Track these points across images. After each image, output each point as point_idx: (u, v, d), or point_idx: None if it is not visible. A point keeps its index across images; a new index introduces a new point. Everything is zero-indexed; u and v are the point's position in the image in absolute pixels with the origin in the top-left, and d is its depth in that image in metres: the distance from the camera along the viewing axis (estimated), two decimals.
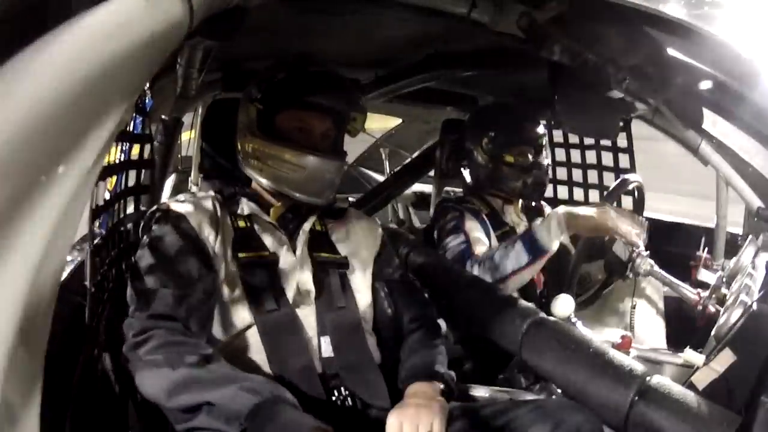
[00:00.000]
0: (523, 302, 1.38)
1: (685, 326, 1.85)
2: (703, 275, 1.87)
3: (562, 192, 2.49)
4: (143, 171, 1.48)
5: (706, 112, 1.46)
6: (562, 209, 1.58)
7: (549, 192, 2.25)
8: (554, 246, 1.55)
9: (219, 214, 1.23)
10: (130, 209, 1.43)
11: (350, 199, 2.73)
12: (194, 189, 1.33)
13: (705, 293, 1.68)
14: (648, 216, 1.84)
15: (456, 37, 1.45)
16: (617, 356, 1.05)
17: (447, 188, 2.59)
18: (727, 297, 1.44)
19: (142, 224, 1.27)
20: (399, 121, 3.14)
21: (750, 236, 1.60)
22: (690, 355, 1.24)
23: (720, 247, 2.02)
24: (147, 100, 1.38)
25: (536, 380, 1.46)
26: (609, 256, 1.78)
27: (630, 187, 1.86)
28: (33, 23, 0.42)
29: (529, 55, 1.28)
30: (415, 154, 2.84)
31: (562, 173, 2.48)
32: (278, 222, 1.29)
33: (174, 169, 2.61)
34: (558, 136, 2.45)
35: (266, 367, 1.12)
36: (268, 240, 1.25)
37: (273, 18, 1.27)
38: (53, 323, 0.41)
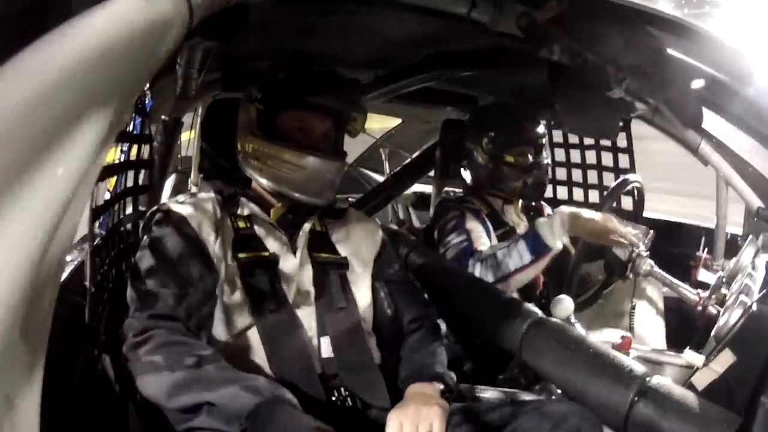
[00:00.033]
0: (522, 302, 1.38)
1: (685, 326, 1.85)
2: (703, 275, 1.87)
3: (562, 192, 2.49)
4: (143, 171, 1.48)
5: (706, 112, 1.46)
6: (565, 209, 1.58)
7: (549, 192, 2.25)
8: (557, 245, 1.55)
9: (219, 214, 1.23)
10: (130, 210, 1.43)
11: (350, 199, 2.73)
12: (194, 189, 1.33)
13: (705, 293, 1.68)
14: (647, 216, 1.84)
15: (456, 37, 1.45)
16: (617, 356, 1.05)
17: (447, 188, 2.59)
18: (727, 297, 1.44)
19: (142, 225, 1.27)
20: (399, 121, 3.15)
21: (750, 236, 1.59)
22: (690, 355, 1.24)
23: (720, 247, 2.02)
24: (147, 101, 1.38)
25: (536, 380, 1.46)
26: (609, 256, 1.77)
27: (630, 187, 1.86)
28: (33, 23, 0.42)
29: (529, 55, 1.28)
30: (415, 155, 2.84)
31: (561, 173, 2.48)
32: (278, 222, 1.29)
33: (174, 169, 2.61)
34: (558, 136, 2.46)
35: (266, 367, 1.12)
36: (268, 240, 1.25)
37: (273, 18, 1.27)
38: (53, 323, 0.41)
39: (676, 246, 2.18)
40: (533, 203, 2.05)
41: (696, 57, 0.95)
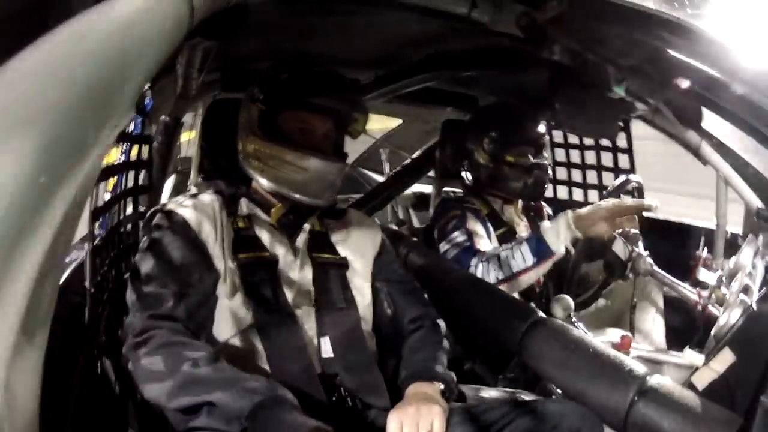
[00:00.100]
0: (522, 302, 1.38)
1: (685, 326, 1.85)
2: (703, 275, 1.87)
3: (562, 192, 2.49)
4: (143, 172, 1.48)
5: (706, 112, 1.46)
6: (569, 213, 1.57)
7: (549, 192, 2.26)
8: (561, 249, 1.55)
9: (219, 214, 1.23)
10: (130, 210, 1.43)
11: (350, 199, 2.73)
12: (194, 190, 1.33)
13: (705, 293, 1.68)
14: (647, 216, 1.84)
15: (456, 37, 1.45)
16: (617, 356, 1.05)
17: (446, 188, 2.59)
18: (727, 297, 1.44)
19: (141, 225, 1.27)
20: (399, 121, 3.14)
21: (750, 236, 1.59)
22: (690, 355, 1.24)
23: (720, 247, 2.02)
24: (147, 101, 1.38)
25: (536, 380, 1.46)
26: (609, 256, 1.78)
27: (630, 187, 1.86)
28: (33, 23, 0.42)
29: (529, 56, 1.28)
30: (415, 155, 2.84)
31: (561, 174, 2.48)
32: (278, 223, 1.29)
33: (174, 169, 2.61)
34: (558, 136, 2.46)
35: (266, 367, 1.12)
36: (268, 241, 1.25)
37: (273, 18, 1.27)
38: (53, 323, 0.41)
39: (676, 246, 2.18)
40: (533, 203, 2.05)
41: (696, 57, 0.94)
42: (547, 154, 1.97)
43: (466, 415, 1.11)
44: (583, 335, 1.15)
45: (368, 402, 1.15)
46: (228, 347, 1.13)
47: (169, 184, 2.43)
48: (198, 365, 0.99)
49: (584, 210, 1.57)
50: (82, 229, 0.99)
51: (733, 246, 1.94)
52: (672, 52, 1.01)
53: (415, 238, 2.03)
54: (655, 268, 1.76)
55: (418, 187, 3.10)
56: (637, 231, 1.64)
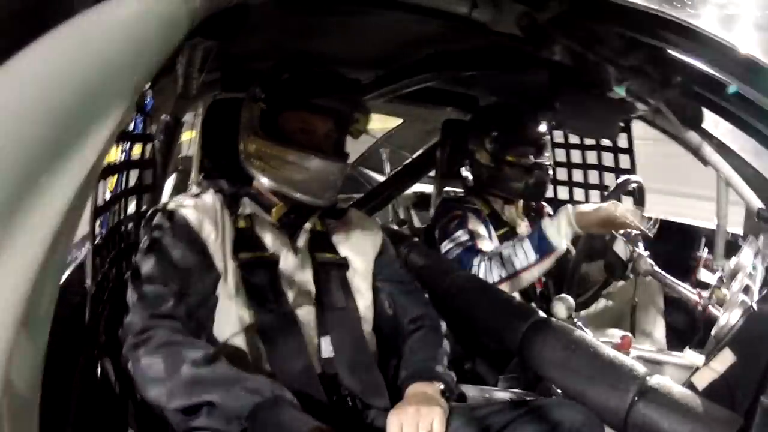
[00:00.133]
0: (523, 302, 1.38)
1: (686, 326, 1.85)
2: (703, 275, 1.87)
3: (563, 193, 2.49)
4: (144, 171, 1.48)
5: (706, 112, 1.46)
6: (570, 207, 1.58)
7: (549, 192, 2.26)
8: (563, 245, 1.55)
9: (220, 214, 1.23)
10: (131, 209, 1.43)
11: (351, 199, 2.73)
12: (195, 189, 1.33)
13: (705, 293, 1.68)
14: (647, 216, 1.84)
15: (456, 37, 1.45)
16: (617, 356, 1.05)
17: (447, 188, 2.59)
18: (727, 297, 1.44)
19: (142, 224, 1.27)
20: (399, 121, 3.14)
21: (750, 237, 1.59)
22: (690, 355, 1.24)
23: (720, 247, 2.02)
24: (147, 100, 1.38)
25: (536, 380, 1.46)
26: (609, 256, 1.78)
27: (630, 187, 1.86)
28: (33, 23, 0.42)
29: (530, 56, 1.28)
30: (416, 155, 2.84)
31: (562, 174, 2.48)
32: (279, 222, 1.29)
33: (174, 168, 2.61)
34: (558, 136, 2.46)
35: (266, 367, 1.12)
36: (268, 240, 1.25)
37: (273, 18, 1.27)
38: (53, 323, 0.41)
39: (676, 246, 2.18)
40: (534, 204, 2.05)
41: (696, 57, 0.94)
42: (548, 154, 1.97)
43: (466, 415, 1.11)
44: (583, 335, 1.15)
45: (368, 402, 1.15)
46: (228, 347, 1.13)
47: (169, 183, 2.43)
48: (198, 365, 0.99)
49: (585, 206, 1.57)
50: (82, 228, 0.99)
51: (733, 246, 1.94)
52: (672, 52, 1.01)
53: (416, 238, 2.03)
54: (656, 268, 1.76)
55: (418, 187, 3.10)
56: (638, 232, 1.64)
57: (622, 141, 2.18)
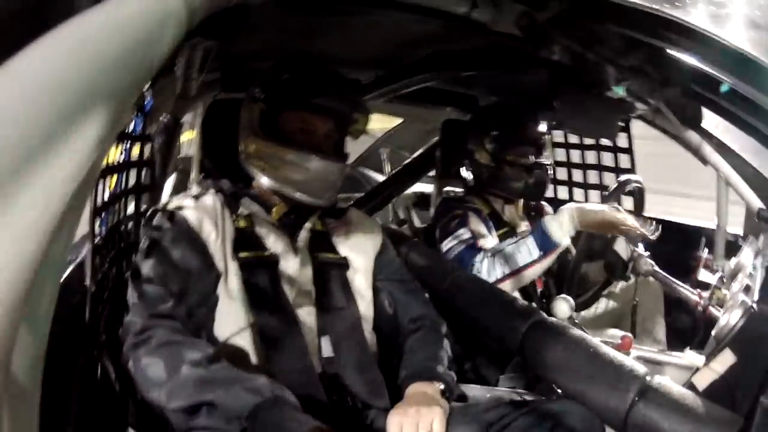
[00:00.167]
0: (523, 302, 1.38)
1: (686, 327, 1.85)
2: (704, 276, 1.87)
3: (563, 192, 2.49)
4: (143, 171, 1.48)
5: (706, 112, 1.46)
6: (572, 205, 1.58)
7: (549, 192, 2.26)
8: (565, 241, 1.56)
9: (220, 213, 1.23)
10: (131, 209, 1.43)
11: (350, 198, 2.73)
12: (195, 189, 1.33)
13: (705, 294, 1.68)
14: (647, 216, 1.84)
15: (456, 37, 1.45)
16: (617, 357, 1.05)
17: (447, 188, 2.59)
18: (728, 298, 1.44)
19: (142, 224, 1.27)
20: (399, 121, 3.14)
21: (750, 237, 1.59)
22: (690, 355, 1.24)
23: (720, 247, 2.02)
24: (147, 100, 1.38)
25: (537, 380, 1.46)
26: (609, 256, 1.78)
27: (630, 187, 1.86)
28: (33, 23, 0.42)
29: (530, 55, 1.27)
30: (416, 154, 2.84)
31: (562, 174, 2.48)
32: (279, 222, 1.29)
33: (174, 168, 2.61)
34: (558, 136, 2.46)
35: (266, 366, 1.12)
36: (268, 240, 1.25)
37: (273, 18, 1.27)
38: (53, 323, 0.41)
39: (676, 246, 2.18)
40: (534, 203, 2.05)
41: (696, 57, 0.94)
42: (547, 153, 1.97)
43: (467, 415, 1.11)
44: (583, 335, 1.15)
45: (368, 402, 1.15)
46: (228, 346, 1.13)
47: (169, 183, 2.43)
48: (198, 365, 0.99)
49: (588, 205, 1.58)
50: (82, 228, 0.99)
51: (733, 247, 1.95)
52: (672, 52, 1.01)
53: (416, 239, 2.03)
54: (656, 268, 1.76)
55: (418, 187, 3.10)
56: (638, 233, 1.64)
57: (622, 140, 2.18)
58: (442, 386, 1.15)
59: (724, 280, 1.63)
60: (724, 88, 0.97)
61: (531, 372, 1.44)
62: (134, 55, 0.44)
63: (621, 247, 1.77)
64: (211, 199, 1.26)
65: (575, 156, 2.41)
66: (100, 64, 0.40)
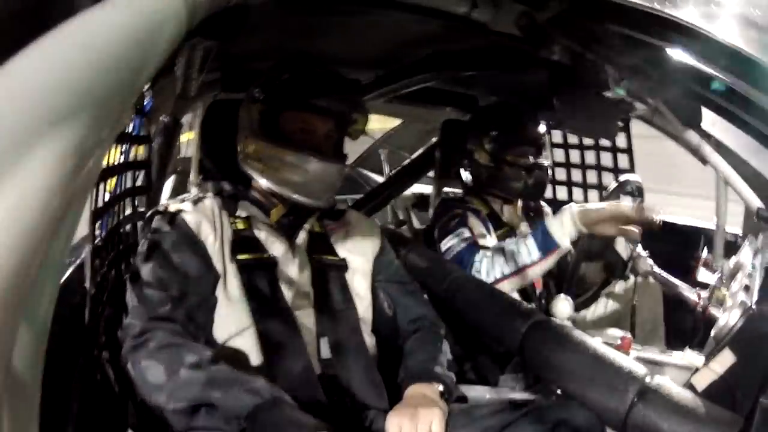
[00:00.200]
0: (522, 303, 1.38)
1: (685, 327, 1.85)
2: (703, 275, 1.87)
3: (562, 193, 2.49)
4: (143, 172, 1.48)
5: (706, 112, 1.46)
6: (573, 206, 1.57)
7: (548, 192, 2.26)
8: (566, 242, 1.54)
9: (218, 215, 1.23)
10: (130, 211, 1.42)
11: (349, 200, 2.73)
12: (194, 191, 1.33)
13: (705, 294, 1.68)
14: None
15: (456, 37, 1.45)
16: (617, 357, 1.05)
17: (446, 189, 2.59)
18: (727, 298, 1.44)
19: (141, 226, 1.27)
20: (398, 121, 3.14)
21: (749, 236, 1.59)
22: (690, 355, 1.24)
23: (719, 247, 2.02)
24: (147, 101, 1.38)
25: (536, 381, 1.46)
26: (609, 256, 1.78)
27: (630, 187, 1.86)
28: (33, 23, 0.41)
29: (529, 55, 1.28)
30: (415, 155, 2.84)
31: (561, 174, 2.48)
32: (278, 224, 1.29)
33: (173, 169, 2.61)
34: (557, 136, 2.46)
35: (265, 368, 1.12)
36: (267, 242, 1.25)
37: (273, 18, 1.27)
38: (53, 323, 0.41)
39: (675, 246, 2.18)
40: (533, 204, 2.05)
41: (696, 57, 0.94)
42: (546, 153, 1.97)
43: (466, 416, 1.11)
44: (583, 336, 1.15)
45: (368, 403, 1.15)
46: (227, 348, 1.13)
47: (168, 184, 2.42)
48: (197, 367, 0.99)
49: (588, 205, 1.57)
50: (82, 229, 0.99)
51: (733, 246, 1.95)
52: (672, 52, 1.01)
53: (415, 240, 2.03)
54: (656, 268, 1.76)
55: (418, 188, 3.10)
56: (639, 230, 1.63)
57: (621, 140, 2.18)
58: (441, 387, 1.15)
59: (724, 280, 1.63)
60: (714, 85, 0.97)
61: (531, 372, 1.44)
62: (134, 55, 0.43)
63: (620, 247, 1.77)
64: (209, 201, 1.26)
65: (574, 156, 2.41)
66: (100, 64, 0.40)
